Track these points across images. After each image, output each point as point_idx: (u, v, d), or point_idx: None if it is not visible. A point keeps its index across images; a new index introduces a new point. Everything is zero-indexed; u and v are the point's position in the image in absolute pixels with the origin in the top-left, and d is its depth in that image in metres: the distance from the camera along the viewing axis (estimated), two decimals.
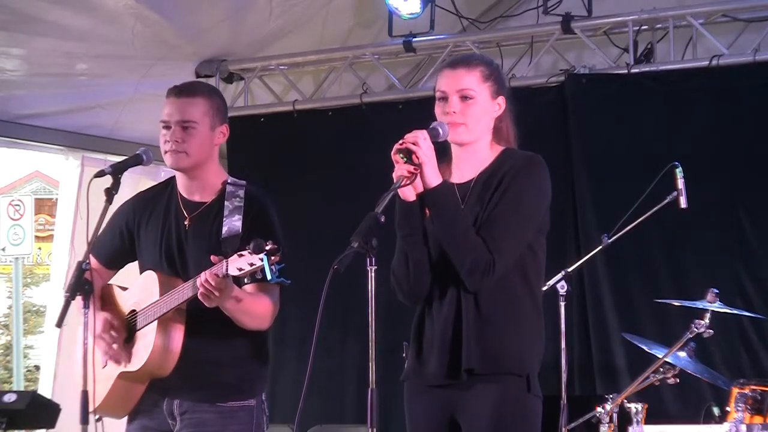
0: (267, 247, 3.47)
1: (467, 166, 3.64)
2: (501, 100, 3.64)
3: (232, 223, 3.85)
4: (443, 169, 3.63)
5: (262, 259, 3.47)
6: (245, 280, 3.59)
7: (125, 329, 3.98)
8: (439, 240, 3.54)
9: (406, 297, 3.65)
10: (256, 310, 3.81)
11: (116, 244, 4.10)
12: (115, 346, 3.93)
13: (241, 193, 3.93)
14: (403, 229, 3.57)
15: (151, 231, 4.00)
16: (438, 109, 3.61)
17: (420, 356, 3.62)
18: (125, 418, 4.05)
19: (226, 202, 3.90)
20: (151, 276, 3.91)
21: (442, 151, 3.66)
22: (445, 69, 3.67)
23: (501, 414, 3.49)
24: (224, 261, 3.56)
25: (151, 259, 3.98)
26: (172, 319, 3.82)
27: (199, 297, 3.64)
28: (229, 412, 3.88)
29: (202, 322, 3.80)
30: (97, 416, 3.98)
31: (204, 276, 3.60)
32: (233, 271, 3.54)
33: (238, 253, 3.54)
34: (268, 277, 3.47)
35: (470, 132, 3.59)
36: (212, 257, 3.60)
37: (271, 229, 3.82)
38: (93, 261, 4.06)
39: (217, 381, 3.87)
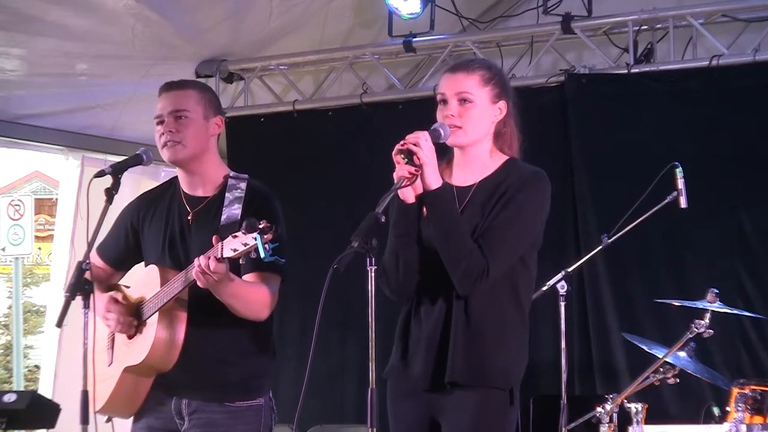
0: (260, 226, 3.47)
1: (468, 170, 3.65)
2: (502, 104, 3.64)
3: (232, 211, 3.86)
4: (443, 169, 3.64)
5: (255, 238, 3.46)
6: (240, 261, 3.58)
7: (128, 306, 3.98)
8: (435, 242, 3.54)
9: (392, 293, 3.65)
10: (251, 297, 3.80)
11: (122, 245, 4.11)
12: (123, 318, 3.92)
13: (243, 185, 3.94)
14: (398, 228, 3.58)
15: (155, 228, 4.02)
16: (438, 113, 3.62)
17: (405, 357, 3.63)
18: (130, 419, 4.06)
19: (227, 194, 3.91)
20: (152, 270, 3.93)
21: (444, 151, 3.67)
22: (445, 73, 3.69)
23: (480, 423, 3.51)
24: (219, 243, 3.56)
25: (154, 255, 3.99)
26: (174, 310, 3.82)
27: (194, 276, 3.62)
28: (238, 412, 3.88)
29: (205, 313, 3.81)
30: (106, 417, 3.99)
31: (197, 260, 3.60)
32: (228, 253, 3.54)
33: (232, 234, 3.55)
34: (262, 255, 3.46)
35: (468, 135, 3.60)
36: (214, 238, 3.59)
37: (272, 216, 3.80)
38: (101, 262, 4.11)
39: (225, 380, 3.87)
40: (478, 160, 3.64)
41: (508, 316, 3.56)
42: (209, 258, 3.57)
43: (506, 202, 3.54)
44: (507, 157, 3.66)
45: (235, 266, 3.68)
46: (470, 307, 3.52)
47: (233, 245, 3.53)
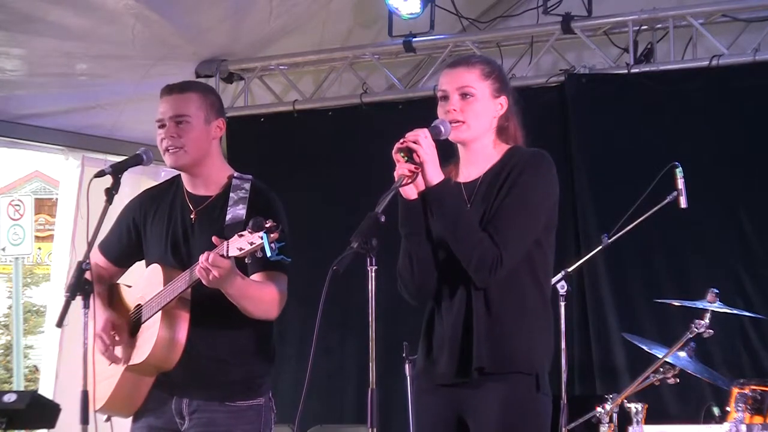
0: (266, 225, 3.47)
1: (473, 166, 3.64)
2: (503, 99, 3.64)
3: (236, 211, 3.86)
4: (450, 169, 3.65)
5: (261, 237, 3.46)
6: (246, 260, 3.58)
7: (130, 325, 3.99)
8: (443, 238, 3.53)
9: (412, 297, 3.65)
10: (261, 296, 3.80)
11: (124, 242, 4.11)
12: (112, 347, 3.93)
13: (247, 185, 3.95)
14: (405, 228, 3.58)
15: (157, 226, 4.02)
16: (440, 109, 3.62)
17: (430, 355, 3.62)
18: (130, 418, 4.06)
19: (231, 194, 3.91)
20: (155, 269, 3.93)
21: (450, 152, 3.67)
22: (445, 69, 3.70)
23: (509, 412, 3.49)
24: (225, 242, 3.57)
25: (157, 254, 3.99)
26: (176, 310, 3.82)
27: (198, 274, 3.62)
28: (239, 412, 3.89)
29: (207, 313, 3.81)
30: (105, 417, 3.98)
31: (203, 256, 3.59)
32: (234, 252, 3.54)
33: (238, 234, 3.55)
34: (268, 254, 3.46)
35: (470, 130, 3.60)
36: (214, 238, 3.60)
37: (277, 217, 3.81)
38: (102, 260, 4.11)
39: (226, 380, 3.88)
40: (482, 154, 3.63)
41: (528, 301, 3.54)
42: (213, 254, 3.57)
43: (510, 186, 3.53)
44: (509, 146, 3.65)
45: (242, 267, 3.69)
46: (490, 297, 3.50)
47: (239, 244, 3.53)
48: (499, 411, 3.49)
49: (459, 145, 3.66)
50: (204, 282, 3.64)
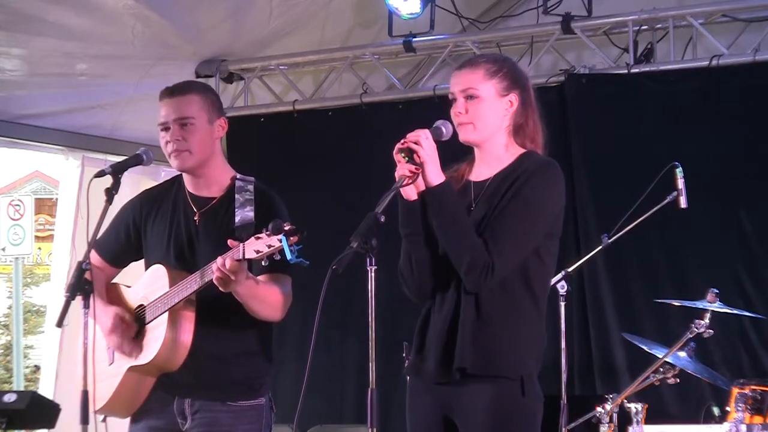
0: (286, 228, 3.46)
1: (485, 165, 3.64)
2: (513, 97, 3.61)
3: (245, 213, 3.85)
4: (465, 167, 3.66)
5: (281, 240, 3.45)
6: (262, 263, 3.57)
7: (135, 323, 3.98)
8: (439, 239, 3.53)
9: (413, 295, 3.66)
10: (266, 297, 3.80)
11: (122, 242, 4.09)
12: (126, 342, 3.92)
13: (251, 187, 3.94)
14: (405, 228, 3.58)
15: (159, 227, 4.00)
16: (451, 112, 3.62)
17: (421, 352, 3.63)
18: (128, 420, 4.05)
19: (236, 196, 3.90)
20: (159, 269, 3.90)
21: (459, 152, 3.67)
22: (453, 71, 3.69)
23: (495, 415, 3.49)
24: (241, 245, 3.55)
25: (159, 255, 3.97)
26: (183, 311, 3.81)
27: (215, 281, 3.61)
28: (241, 411, 3.89)
29: (212, 314, 3.81)
30: (102, 417, 3.98)
31: (221, 260, 3.58)
32: (250, 254, 3.53)
33: (255, 236, 3.53)
34: (288, 257, 3.44)
35: (478, 131, 3.59)
36: (230, 241, 3.58)
37: (282, 218, 3.81)
38: (97, 259, 4.08)
39: (227, 379, 3.87)
40: (494, 155, 3.63)
41: (518, 307, 3.53)
42: (230, 258, 3.56)
43: (514, 194, 3.52)
44: (524, 151, 3.64)
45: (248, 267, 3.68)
46: (480, 301, 3.50)
47: (256, 246, 3.52)
48: (484, 413, 3.49)
49: (474, 146, 3.66)
50: (221, 288, 3.63)
